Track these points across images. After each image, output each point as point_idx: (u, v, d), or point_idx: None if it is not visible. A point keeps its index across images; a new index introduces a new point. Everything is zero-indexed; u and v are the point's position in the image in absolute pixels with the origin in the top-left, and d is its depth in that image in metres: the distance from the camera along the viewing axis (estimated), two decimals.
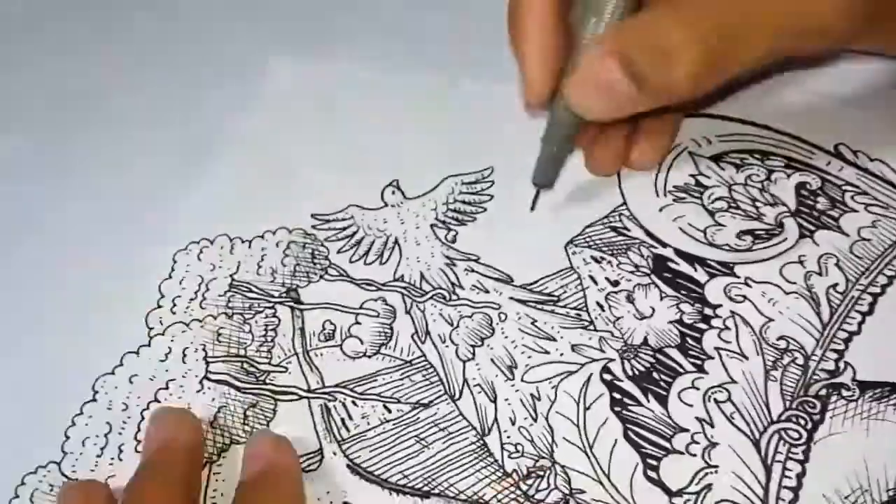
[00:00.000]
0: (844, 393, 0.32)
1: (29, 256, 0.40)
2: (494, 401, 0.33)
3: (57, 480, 0.34)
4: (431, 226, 0.39)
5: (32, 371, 0.37)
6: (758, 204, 0.36)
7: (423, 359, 0.35)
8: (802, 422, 0.31)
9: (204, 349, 0.36)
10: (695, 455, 0.31)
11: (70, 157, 0.44)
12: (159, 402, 0.35)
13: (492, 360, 0.34)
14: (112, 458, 0.34)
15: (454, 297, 0.36)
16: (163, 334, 0.37)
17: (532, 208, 0.37)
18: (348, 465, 0.33)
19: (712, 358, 0.33)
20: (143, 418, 0.35)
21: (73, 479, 0.34)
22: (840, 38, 0.31)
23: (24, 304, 0.39)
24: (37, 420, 0.36)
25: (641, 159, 0.37)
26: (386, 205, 0.40)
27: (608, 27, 0.32)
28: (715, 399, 0.32)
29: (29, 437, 0.35)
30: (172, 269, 0.39)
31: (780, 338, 0.33)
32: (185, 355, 0.36)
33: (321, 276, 0.38)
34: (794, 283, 0.34)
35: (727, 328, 0.33)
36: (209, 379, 0.36)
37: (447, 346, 0.35)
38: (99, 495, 0.32)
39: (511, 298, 0.36)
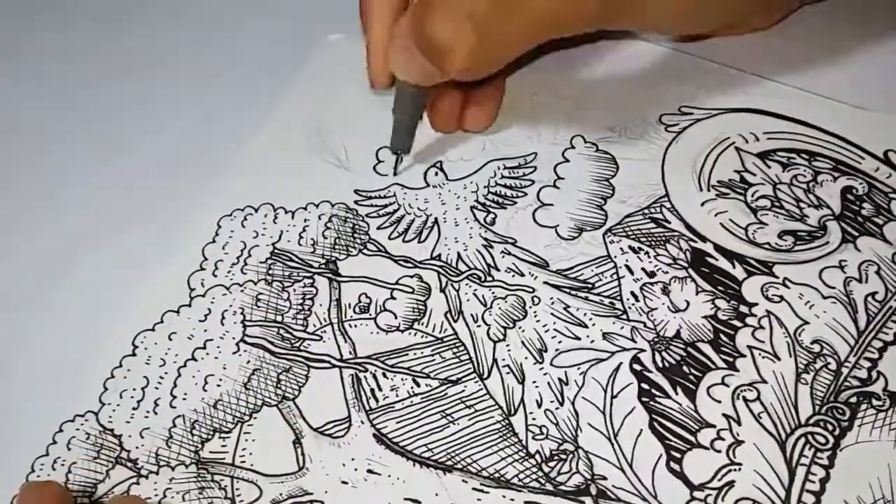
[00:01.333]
0: (875, 402, 0.32)
1: (78, 215, 0.42)
2: (522, 382, 0.34)
3: (94, 429, 0.35)
4: (471, 208, 0.39)
5: (75, 324, 0.38)
6: (802, 205, 0.36)
7: (454, 337, 0.35)
8: (830, 427, 0.31)
9: (242, 313, 0.37)
10: (719, 451, 0.31)
11: (122, 121, 0.45)
12: (196, 360, 0.36)
13: (522, 342, 0.35)
14: (147, 412, 0.35)
15: (489, 278, 0.37)
16: (203, 296, 0.38)
17: (395, 173, 0.40)
18: (374, 435, 0.33)
19: (744, 356, 0.33)
20: (179, 375, 0.36)
21: (33, 480, 0.34)
22: (591, 21, 0.34)
23: (72, 260, 0.40)
24: (77, 371, 0.37)
25: (473, 123, 0.40)
26: (428, 185, 0.40)
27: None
28: (744, 397, 0.32)
29: (69, 387, 0.36)
30: (216, 234, 0.40)
31: (815, 341, 0.33)
32: (223, 317, 0.37)
33: (360, 251, 0.39)
34: (833, 287, 0.34)
35: (762, 327, 0.33)
36: (245, 342, 0.36)
37: (479, 326, 0.35)
38: (53, 497, 0.31)
39: (545, 283, 0.36)
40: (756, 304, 0.34)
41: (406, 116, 0.38)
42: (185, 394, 0.35)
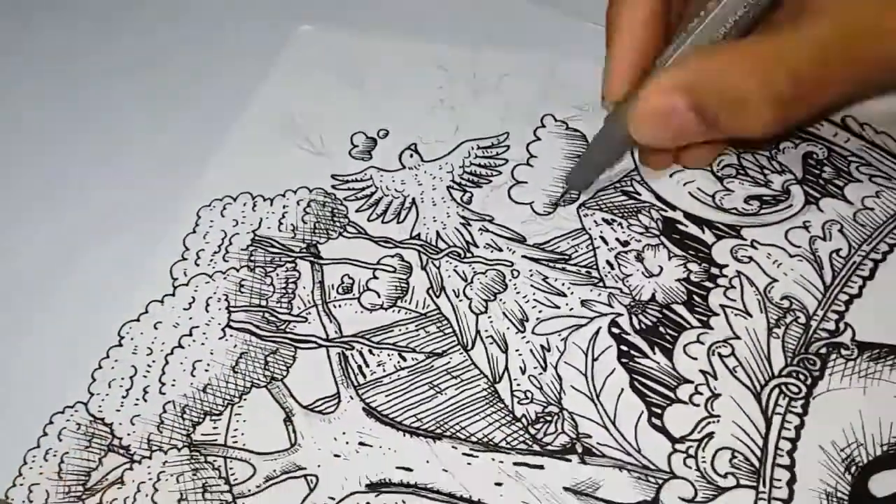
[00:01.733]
0: (844, 352, 0.33)
1: (60, 208, 0.42)
2: (506, 351, 0.35)
3: (84, 419, 0.35)
4: (448, 187, 0.40)
5: (61, 317, 0.38)
6: (766, 171, 0.37)
7: (437, 312, 0.36)
8: (802, 377, 0.33)
9: (226, 299, 0.38)
10: (698, 405, 0.32)
11: (98, 119, 0.45)
12: (182, 347, 0.37)
13: (504, 313, 0.36)
14: (137, 400, 0.36)
15: (469, 254, 0.38)
16: (186, 285, 0.39)
17: (553, 209, 0.38)
18: (364, 409, 0.34)
19: (717, 315, 0.34)
20: (167, 362, 0.36)
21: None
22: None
23: (55, 254, 0.40)
24: (65, 363, 0.37)
25: (696, 160, 0.37)
26: (404, 167, 0.41)
27: (686, 51, 0.31)
28: (719, 353, 0.33)
29: (57, 379, 0.37)
30: (196, 225, 0.40)
31: (784, 297, 0.34)
32: (207, 304, 0.38)
33: (340, 234, 0.39)
34: (799, 246, 0.35)
35: (733, 287, 0.35)
36: (231, 327, 0.37)
37: (461, 301, 0.36)
38: None
39: (524, 257, 0.37)
40: (726, 266, 0.35)
41: (604, 159, 0.36)
42: (174, 380, 0.36)
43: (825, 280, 0.35)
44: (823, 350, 0.33)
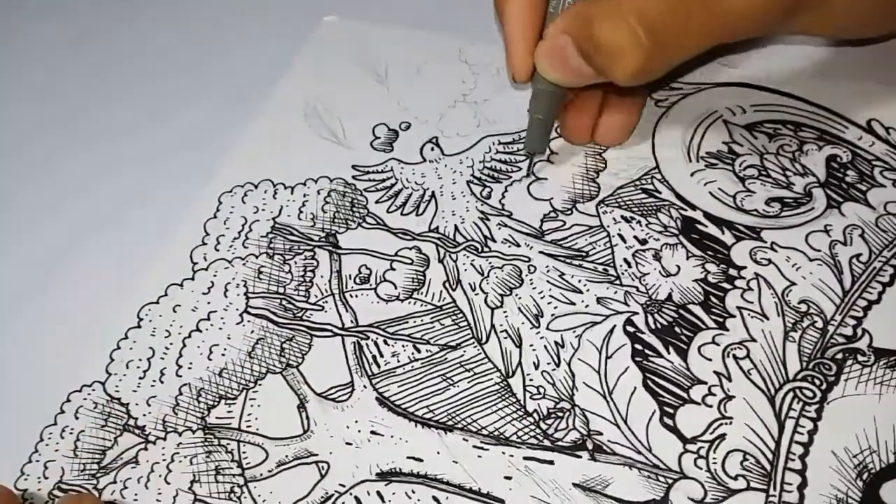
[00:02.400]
0: (860, 358, 0.33)
1: (85, 189, 0.43)
2: (520, 346, 0.35)
3: (101, 399, 0.36)
4: (467, 182, 0.40)
5: (81, 297, 0.39)
6: (788, 173, 0.37)
7: (453, 305, 0.36)
8: (817, 382, 0.32)
9: (245, 285, 0.38)
10: (711, 406, 0.32)
11: (126, 99, 0.46)
12: (200, 331, 0.37)
13: (519, 308, 0.36)
14: (154, 381, 0.36)
15: (486, 249, 0.38)
16: (206, 269, 0.39)
17: (527, 175, 0.39)
18: (377, 398, 0.34)
19: (734, 316, 0.34)
20: (184, 345, 0.37)
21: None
22: (771, 24, 0.33)
23: (78, 234, 0.41)
24: (84, 343, 0.38)
25: (607, 135, 0.39)
26: (424, 160, 0.41)
27: (569, 5, 0.34)
28: (734, 355, 0.33)
29: (76, 358, 0.37)
30: (217, 210, 0.41)
31: (802, 301, 0.34)
32: (226, 290, 0.38)
33: (359, 224, 0.39)
34: (819, 250, 0.35)
35: (750, 289, 0.34)
36: (249, 313, 0.37)
37: (477, 294, 0.36)
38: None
39: (541, 252, 0.37)
40: (745, 268, 0.35)
41: (544, 116, 0.37)
42: (191, 363, 0.36)
43: (844, 285, 0.34)
44: (840, 355, 0.33)
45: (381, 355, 0.35)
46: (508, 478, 0.32)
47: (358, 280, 0.38)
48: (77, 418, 0.36)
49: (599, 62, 0.33)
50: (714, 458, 0.31)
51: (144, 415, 0.35)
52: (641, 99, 0.39)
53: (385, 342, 0.36)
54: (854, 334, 0.33)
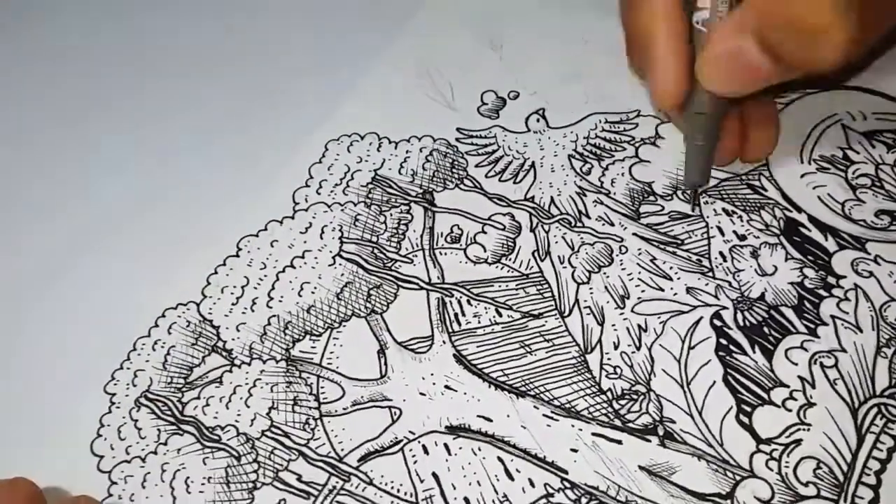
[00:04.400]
0: None
1: (208, 130, 0.44)
2: (602, 324, 0.35)
3: (194, 318, 0.38)
4: (569, 156, 0.40)
5: (185, 223, 0.41)
6: None
7: (539, 274, 0.37)
8: None
9: (340, 230, 0.39)
10: (790, 410, 0.32)
11: (256, 51, 0.47)
12: (294, 267, 0.38)
13: (606, 287, 0.36)
14: (245, 309, 0.38)
15: (579, 224, 0.38)
16: (306, 210, 0.40)
17: (693, 209, 0.37)
18: (454, 355, 0.35)
19: (826, 324, 0.33)
20: (277, 279, 0.38)
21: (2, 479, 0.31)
22: None
23: (192, 166, 0.43)
24: (183, 264, 0.39)
25: (758, 150, 0.37)
26: (529, 130, 0.41)
27: (733, 4, 0.32)
28: (821, 363, 0.32)
29: (174, 277, 0.39)
30: (323, 156, 0.42)
31: None
32: (322, 232, 0.39)
33: (457, 185, 0.40)
34: None
35: (847, 299, 0.34)
36: (341, 256, 0.38)
37: (565, 267, 0.37)
38: (24, 495, 0.30)
39: (634, 234, 0.37)
40: (844, 277, 0.34)
41: (704, 141, 0.35)
42: (282, 296, 0.38)
43: None
44: None
45: (464, 314, 0.36)
46: (575, 450, 0.32)
47: (449, 239, 0.38)
48: (170, 333, 0.38)
49: (800, 48, 0.29)
50: (787, 462, 0.31)
51: (233, 339, 0.37)
52: (775, 107, 0.38)
53: (468, 302, 0.36)
54: None
